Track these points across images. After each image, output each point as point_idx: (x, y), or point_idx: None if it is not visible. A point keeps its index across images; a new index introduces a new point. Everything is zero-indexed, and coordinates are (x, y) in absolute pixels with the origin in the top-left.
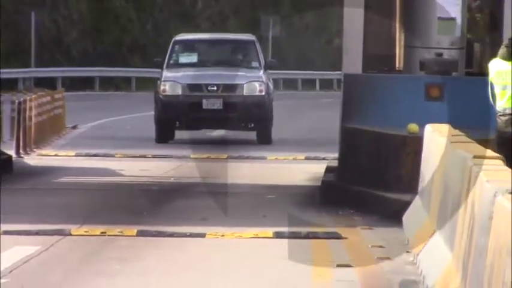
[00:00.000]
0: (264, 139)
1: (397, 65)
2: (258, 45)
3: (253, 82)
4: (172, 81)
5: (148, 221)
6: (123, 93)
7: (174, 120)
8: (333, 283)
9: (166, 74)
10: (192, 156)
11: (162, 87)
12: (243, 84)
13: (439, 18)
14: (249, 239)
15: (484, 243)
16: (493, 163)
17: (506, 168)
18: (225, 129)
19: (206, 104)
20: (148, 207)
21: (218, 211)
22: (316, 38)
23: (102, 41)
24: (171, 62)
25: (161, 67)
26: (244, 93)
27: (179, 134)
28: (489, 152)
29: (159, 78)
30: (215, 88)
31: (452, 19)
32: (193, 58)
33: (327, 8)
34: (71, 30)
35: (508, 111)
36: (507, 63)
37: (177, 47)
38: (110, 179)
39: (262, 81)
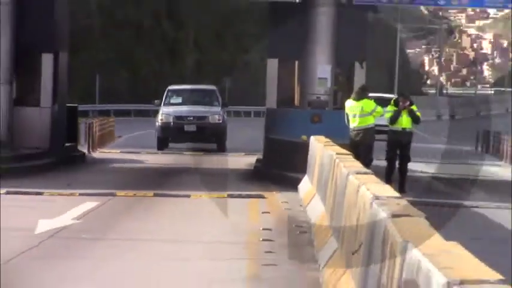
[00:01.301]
0: (221, 148)
1: (296, 103)
2: (217, 93)
3: (214, 114)
4: (166, 114)
5: (160, 188)
6: (136, 118)
7: (168, 137)
8: (260, 222)
9: (163, 109)
10: (184, 152)
11: (160, 117)
12: (208, 116)
13: (319, 78)
14: (215, 198)
15: (341, 200)
16: (347, 157)
17: (355, 160)
18: (198, 142)
19: (187, 127)
20: (159, 180)
21: (199, 183)
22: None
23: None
24: (166, 102)
25: (159, 105)
26: (209, 121)
27: (171, 145)
28: (345, 151)
29: (158, 111)
30: (192, 118)
31: (325, 78)
32: (179, 100)
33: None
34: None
35: (356, 129)
36: (355, 102)
37: (169, 93)
38: (138, 165)
39: (220, 114)
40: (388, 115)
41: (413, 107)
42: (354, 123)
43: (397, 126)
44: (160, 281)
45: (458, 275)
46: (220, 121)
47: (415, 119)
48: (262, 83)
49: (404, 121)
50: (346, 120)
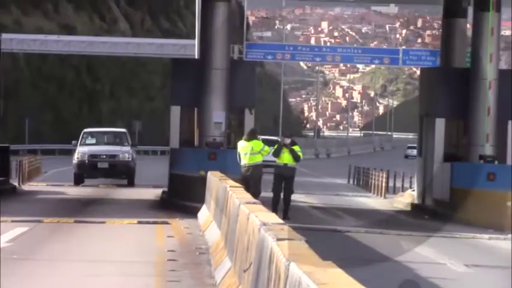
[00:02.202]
0: (131, 183)
1: (195, 143)
2: (127, 135)
3: (124, 153)
4: (82, 153)
5: (79, 215)
6: (59, 156)
7: (83, 173)
8: (165, 244)
9: (79, 148)
10: (100, 185)
11: (77, 156)
12: (119, 154)
13: (214, 122)
14: (127, 224)
15: (234, 226)
16: (239, 189)
17: (245, 192)
18: (110, 178)
19: (100, 164)
20: (79, 209)
21: (113, 212)
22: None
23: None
24: (82, 142)
25: (76, 145)
26: (120, 159)
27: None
28: (237, 184)
29: (75, 150)
30: (104, 156)
31: (220, 123)
32: (93, 140)
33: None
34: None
35: (247, 165)
36: (246, 143)
37: (85, 135)
38: (61, 196)
39: (129, 153)
40: (273, 150)
41: (296, 147)
42: (245, 160)
43: (281, 162)
44: None
45: None
46: (130, 159)
47: (295, 157)
48: (166, 126)
49: (286, 158)
50: (238, 158)
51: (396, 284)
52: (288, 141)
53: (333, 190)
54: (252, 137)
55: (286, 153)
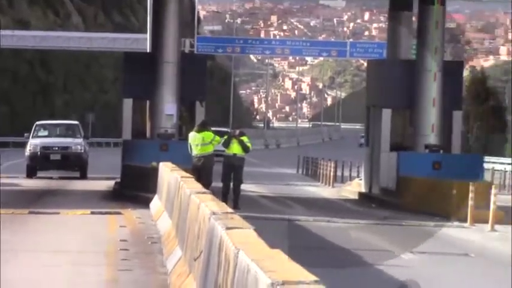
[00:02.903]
0: (83, 176)
1: (147, 135)
2: (79, 127)
3: (77, 145)
4: (34, 145)
5: (34, 206)
6: (14, 149)
7: (36, 165)
8: (118, 234)
9: (31, 141)
10: (53, 177)
11: (29, 148)
12: (71, 146)
13: (166, 114)
14: (80, 214)
15: (185, 216)
16: (190, 180)
17: (196, 182)
18: (62, 170)
19: (52, 156)
20: (33, 200)
21: (66, 202)
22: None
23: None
24: (34, 135)
25: (29, 137)
26: (72, 151)
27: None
28: (188, 175)
29: (26, 143)
30: (56, 148)
31: (172, 115)
32: (45, 133)
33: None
34: None
35: (198, 155)
36: (197, 134)
37: (37, 127)
38: (16, 188)
39: (81, 145)
40: (222, 141)
41: (245, 138)
42: (196, 151)
43: (230, 152)
44: (34, 285)
45: (281, 277)
46: (82, 151)
47: (244, 148)
48: (119, 118)
49: (235, 148)
50: (189, 149)
51: (341, 270)
52: (237, 132)
53: (282, 180)
54: (203, 128)
55: (236, 144)
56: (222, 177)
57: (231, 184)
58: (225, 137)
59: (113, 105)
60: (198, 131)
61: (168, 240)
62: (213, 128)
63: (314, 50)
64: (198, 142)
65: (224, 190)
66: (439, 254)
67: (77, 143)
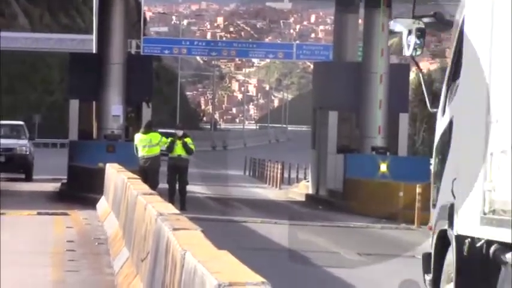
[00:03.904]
0: (29, 178)
1: (94, 136)
2: (24, 127)
3: (22, 146)
4: None
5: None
6: None
7: None
8: (65, 235)
9: None
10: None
11: None
12: (16, 147)
13: (113, 115)
14: (26, 215)
15: (132, 217)
16: (136, 181)
17: (143, 183)
18: (6, 172)
19: None
20: None
21: (13, 203)
22: (62, 121)
23: None
24: None
25: None
26: (17, 153)
27: None
28: (135, 176)
29: None
30: (0, 150)
31: (118, 116)
32: None
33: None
34: None
35: (145, 157)
36: (144, 135)
37: None
38: None
39: (26, 146)
40: (166, 144)
41: (188, 140)
42: (143, 153)
43: (174, 154)
44: None
45: (228, 278)
46: (27, 152)
47: (187, 150)
48: (66, 119)
49: (179, 149)
50: (135, 150)
51: (290, 272)
52: (180, 133)
53: (229, 181)
54: (149, 129)
55: (180, 145)
56: (168, 179)
57: (177, 186)
58: (170, 139)
59: (60, 106)
60: (145, 132)
61: (115, 241)
62: (160, 130)
63: (260, 51)
64: (145, 143)
65: (170, 191)
66: (386, 255)
67: (22, 145)
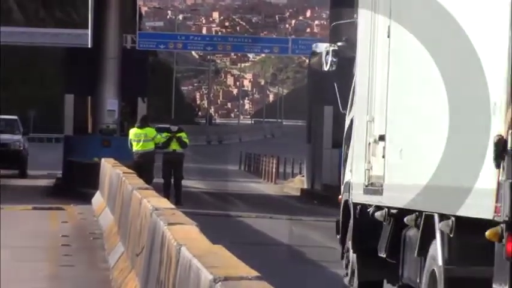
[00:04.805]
0: (23, 173)
1: (89, 131)
2: (19, 122)
3: (15, 142)
4: None
5: None
6: None
7: None
8: (60, 230)
9: None
10: None
11: None
12: (10, 143)
13: (108, 110)
14: (21, 210)
15: (127, 211)
16: (132, 176)
17: (138, 178)
18: (1, 168)
19: None
20: None
21: (8, 197)
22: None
23: None
24: None
25: None
26: (11, 148)
27: None
28: (130, 171)
29: None
30: None
31: (113, 110)
32: None
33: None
34: None
35: (140, 152)
36: (139, 130)
37: None
38: None
39: (20, 141)
40: (162, 141)
41: (182, 134)
42: (138, 147)
43: (169, 149)
44: None
45: (223, 272)
46: (21, 148)
47: (182, 144)
48: (61, 114)
49: (174, 144)
50: (130, 145)
51: (285, 267)
52: (175, 128)
53: (225, 176)
54: (144, 124)
55: (174, 140)
56: (163, 174)
57: (172, 180)
58: (164, 134)
59: (56, 100)
60: (140, 127)
61: (110, 235)
62: (157, 125)
63: (256, 46)
64: (140, 138)
65: (165, 186)
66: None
67: (15, 140)
